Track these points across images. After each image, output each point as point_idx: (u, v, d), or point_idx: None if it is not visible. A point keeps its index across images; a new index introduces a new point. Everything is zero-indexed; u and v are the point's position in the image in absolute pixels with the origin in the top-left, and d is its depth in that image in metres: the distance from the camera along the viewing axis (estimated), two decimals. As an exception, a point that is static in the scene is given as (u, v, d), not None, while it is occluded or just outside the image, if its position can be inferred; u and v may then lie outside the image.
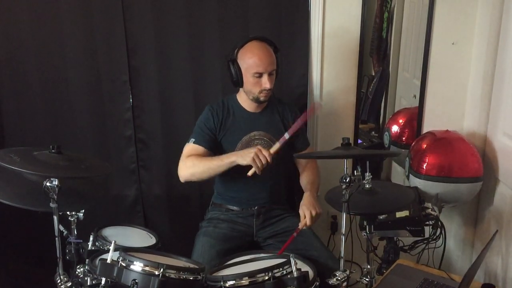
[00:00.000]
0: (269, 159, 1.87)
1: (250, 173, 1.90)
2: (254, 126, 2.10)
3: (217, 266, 1.74)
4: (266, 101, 2.07)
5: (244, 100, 2.10)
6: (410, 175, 2.24)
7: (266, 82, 1.96)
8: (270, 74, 1.97)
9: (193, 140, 2.06)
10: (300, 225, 1.93)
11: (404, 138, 2.50)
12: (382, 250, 2.08)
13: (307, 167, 2.21)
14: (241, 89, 2.07)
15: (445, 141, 2.22)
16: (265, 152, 1.87)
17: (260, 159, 1.86)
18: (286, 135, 1.93)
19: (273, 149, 1.91)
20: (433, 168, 2.14)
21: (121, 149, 2.47)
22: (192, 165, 2.01)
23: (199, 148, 2.04)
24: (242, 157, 1.90)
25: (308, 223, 1.93)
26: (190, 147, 2.06)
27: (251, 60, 1.95)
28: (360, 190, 1.78)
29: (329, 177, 2.24)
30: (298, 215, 2.07)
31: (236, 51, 1.99)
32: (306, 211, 1.94)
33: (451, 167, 2.13)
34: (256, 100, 2.03)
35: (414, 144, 2.31)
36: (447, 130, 2.28)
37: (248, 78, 1.98)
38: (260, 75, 1.95)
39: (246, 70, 1.97)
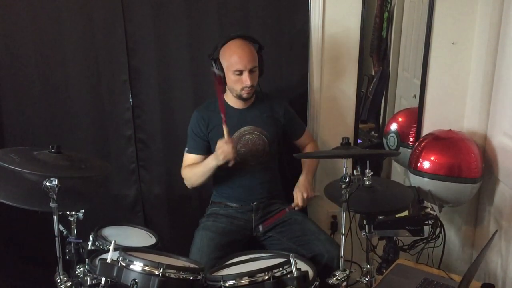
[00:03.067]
0: (232, 147, 1.94)
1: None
2: (243, 122, 2.12)
3: (217, 266, 1.74)
4: (249, 98, 2.08)
5: (230, 98, 2.12)
6: (407, 171, 2.27)
7: (246, 80, 1.99)
8: (250, 72, 1.99)
9: (187, 149, 2.16)
10: (293, 204, 2.02)
11: (412, 139, 2.50)
12: (382, 249, 2.08)
13: (307, 147, 2.27)
14: (226, 87, 2.10)
15: (444, 141, 2.23)
16: (226, 144, 1.94)
17: (225, 153, 1.94)
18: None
19: (225, 133, 1.97)
20: (429, 165, 2.16)
21: (121, 149, 2.47)
22: (187, 176, 2.15)
23: (193, 157, 2.14)
24: (217, 159, 1.98)
25: (300, 203, 2.02)
26: (186, 156, 2.17)
27: (231, 58, 1.99)
28: (360, 187, 1.78)
29: (329, 177, 2.25)
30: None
31: (218, 50, 2.03)
32: (298, 193, 2.04)
33: (449, 166, 2.13)
34: (239, 97, 2.06)
35: (416, 145, 2.31)
36: (449, 130, 2.28)
37: (229, 76, 2.01)
38: (240, 72, 1.98)
39: (227, 68, 2.01)
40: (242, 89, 2.02)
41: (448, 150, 2.18)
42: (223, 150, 1.94)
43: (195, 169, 2.10)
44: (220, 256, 1.90)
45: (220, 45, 2.03)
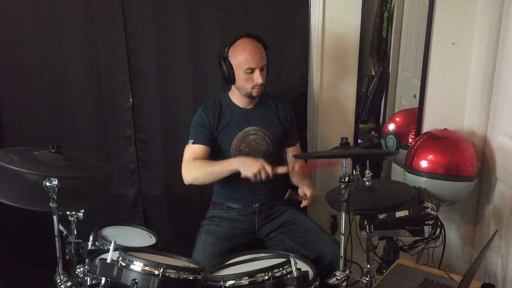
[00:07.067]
0: (270, 176, 1.90)
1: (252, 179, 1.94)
2: (248, 122, 2.11)
3: (217, 266, 1.74)
4: (258, 96, 2.09)
5: (237, 97, 2.12)
6: (404, 170, 2.27)
7: (258, 77, 1.99)
8: (261, 70, 2.00)
9: (192, 141, 2.08)
10: (300, 193, 1.97)
11: (411, 140, 2.50)
12: (382, 249, 2.08)
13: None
14: (233, 86, 2.10)
15: (439, 139, 2.24)
16: (268, 169, 1.89)
17: (261, 175, 1.89)
18: (297, 167, 1.99)
19: (279, 170, 1.93)
20: (424, 164, 2.17)
21: (121, 149, 2.48)
22: (195, 168, 2.03)
23: (200, 147, 2.06)
24: (244, 168, 1.92)
25: (309, 197, 1.97)
26: (191, 148, 2.08)
27: (242, 57, 1.98)
28: (360, 188, 1.78)
29: (328, 177, 2.24)
30: (299, 209, 2.08)
31: (226, 49, 2.02)
32: (308, 190, 1.98)
33: (444, 165, 2.14)
34: (249, 95, 2.06)
35: (412, 144, 2.31)
36: (445, 129, 2.29)
37: (240, 75, 2.01)
38: (252, 70, 1.99)
39: (238, 66, 2.00)
40: (253, 87, 2.02)
41: (443, 148, 2.19)
42: (262, 173, 1.88)
43: (208, 166, 2.01)
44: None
45: (229, 43, 2.03)
